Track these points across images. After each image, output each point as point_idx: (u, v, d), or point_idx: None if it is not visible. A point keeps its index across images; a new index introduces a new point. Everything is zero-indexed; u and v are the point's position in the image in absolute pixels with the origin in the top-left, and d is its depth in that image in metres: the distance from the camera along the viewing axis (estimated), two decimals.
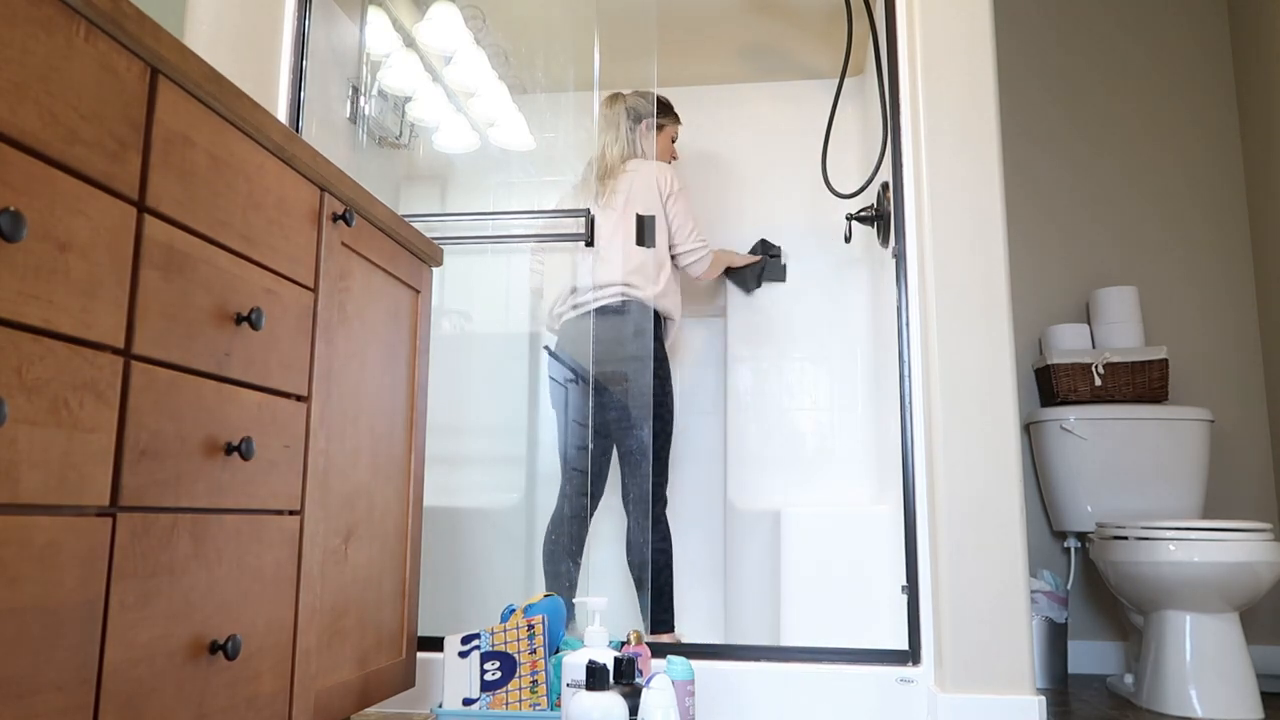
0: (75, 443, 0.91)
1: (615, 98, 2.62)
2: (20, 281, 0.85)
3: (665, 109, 2.65)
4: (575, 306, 2.51)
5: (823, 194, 2.88)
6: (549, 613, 1.78)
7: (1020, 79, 3.13)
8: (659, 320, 2.47)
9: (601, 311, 2.47)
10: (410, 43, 2.75)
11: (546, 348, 2.60)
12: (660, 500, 2.42)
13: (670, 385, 2.48)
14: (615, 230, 2.49)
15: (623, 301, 2.44)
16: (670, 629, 2.34)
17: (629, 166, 2.53)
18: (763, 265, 2.83)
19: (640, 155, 2.58)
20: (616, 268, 2.47)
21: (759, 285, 2.86)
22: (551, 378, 2.58)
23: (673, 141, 2.67)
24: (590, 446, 2.50)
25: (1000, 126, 2.26)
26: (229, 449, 1.15)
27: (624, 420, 2.44)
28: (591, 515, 2.48)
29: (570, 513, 2.47)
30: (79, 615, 0.92)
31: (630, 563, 2.40)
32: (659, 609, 2.34)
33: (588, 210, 2.48)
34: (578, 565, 2.42)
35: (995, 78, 1.98)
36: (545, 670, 1.72)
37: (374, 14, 2.68)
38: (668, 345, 2.52)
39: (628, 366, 2.45)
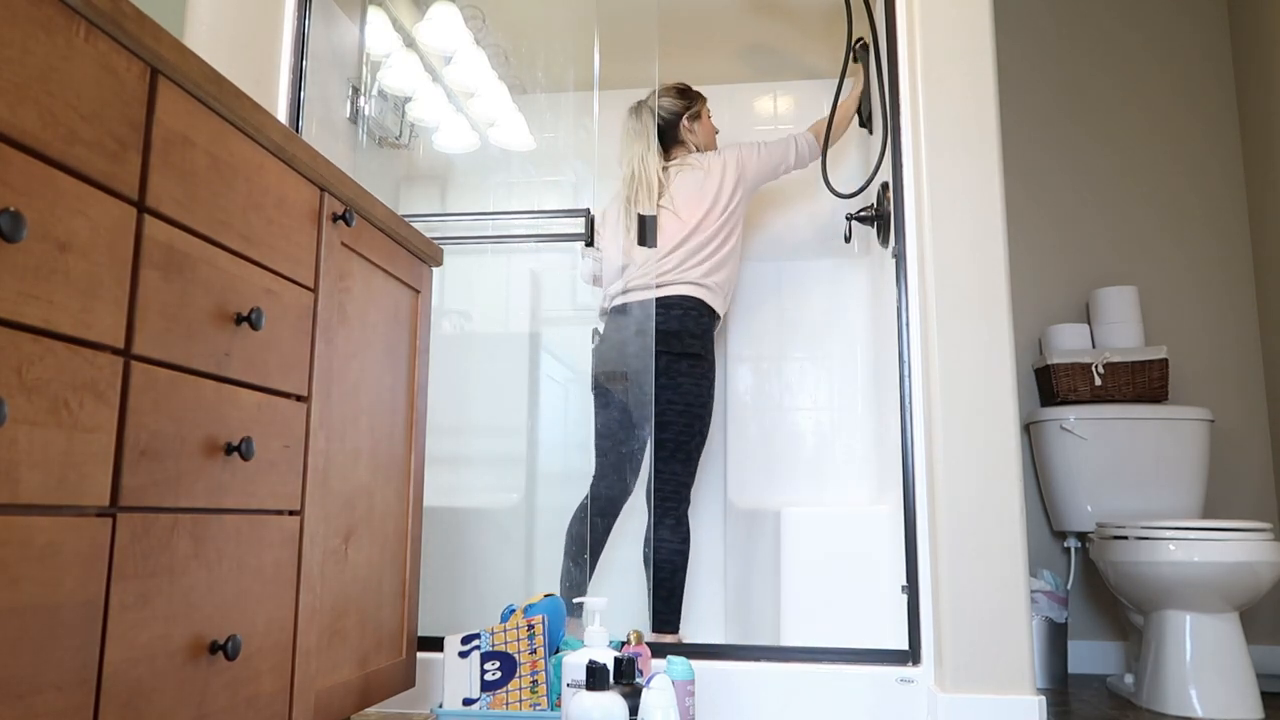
0: (75, 443, 0.91)
1: (640, 108, 2.60)
2: (20, 281, 0.85)
3: (692, 94, 2.64)
4: (624, 294, 2.48)
5: (823, 194, 2.88)
6: (549, 613, 1.78)
7: (1020, 80, 3.13)
8: (716, 319, 2.47)
9: (663, 304, 2.43)
10: (410, 43, 2.75)
11: (596, 330, 2.57)
12: (686, 501, 2.40)
13: (713, 388, 2.44)
14: (687, 225, 2.47)
15: (682, 296, 2.43)
16: (674, 629, 2.34)
17: (691, 160, 2.52)
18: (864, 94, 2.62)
19: (692, 151, 2.58)
20: (679, 262, 2.45)
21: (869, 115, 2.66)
22: (596, 372, 2.55)
23: (709, 117, 2.67)
24: (597, 445, 2.50)
25: (1000, 126, 2.26)
26: (229, 449, 1.15)
27: (659, 416, 2.43)
28: (618, 512, 2.47)
29: (579, 511, 2.47)
30: (79, 615, 0.92)
31: (645, 559, 2.40)
32: (666, 609, 2.33)
33: (587, 210, 2.48)
34: (579, 565, 2.42)
35: (995, 77, 1.98)
36: (545, 670, 1.72)
37: (374, 14, 2.68)
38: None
39: (668, 361, 2.42)
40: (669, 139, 2.59)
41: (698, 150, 2.58)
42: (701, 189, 2.48)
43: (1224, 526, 2.14)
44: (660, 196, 2.50)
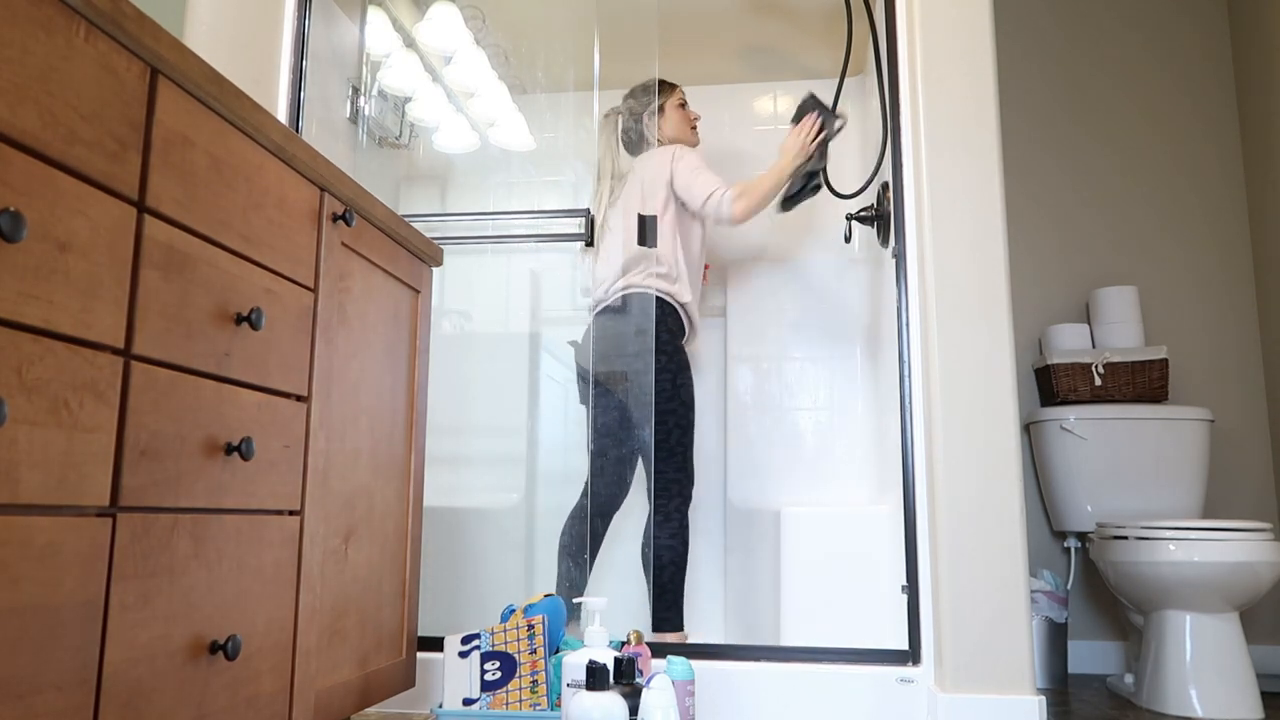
0: (75, 443, 0.91)
1: (608, 114, 2.64)
2: (20, 281, 0.85)
3: (659, 88, 2.64)
4: (594, 304, 2.52)
5: (822, 194, 2.88)
6: (549, 613, 1.78)
7: (1021, 79, 3.13)
8: (673, 313, 2.46)
9: (608, 310, 2.46)
10: (410, 43, 2.75)
11: (571, 342, 2.59)
12: (680, 498, 2.40)
13: (683, 379, 2.44)
14: (618, 228, 2.49)
15: (624, 299, 2.44)
16: (675, 628, 2.33)
17: (635, 164, 2.55)
18: (813, 169, 2.39)
19: (656, 145, 2.59)
20: (618, 264, 2.46)
21: (812, 188, 2.45)
22: (579, 377, 2.57)
23: (682, 106, 2.61)
24: (593, 447, 2.50)
25: (1000, 126, 2.26)
26: (229, 449, 1.15)
27: (633, 417, 2.44)
28: (614, 514, 2.47)
29: (574, 512, 2.47)
30: (79, 615, 0.92)
31: (643, 559, 2.41)
32: (663, 607, 2.33)
33: (588, 210, 2.49)
34: (578, 565, 2.42)
35: (995, 77, 1.98)
36: (545, 670, 1.72)
37: (374, 14, 2.68)
38: (687, 338, 2.50)
39: (630, 364, 2.44)
40: (637, 138, 2.60)
41: (662, 145, 2.58)
42: (642, 183, 2.49)
43: (1224, 526, 2.14)
44: (611, 204, 2.54)
